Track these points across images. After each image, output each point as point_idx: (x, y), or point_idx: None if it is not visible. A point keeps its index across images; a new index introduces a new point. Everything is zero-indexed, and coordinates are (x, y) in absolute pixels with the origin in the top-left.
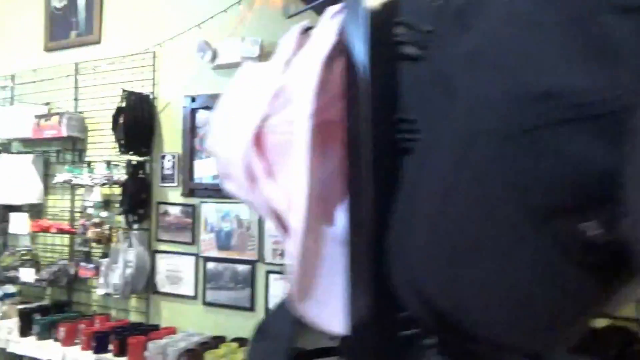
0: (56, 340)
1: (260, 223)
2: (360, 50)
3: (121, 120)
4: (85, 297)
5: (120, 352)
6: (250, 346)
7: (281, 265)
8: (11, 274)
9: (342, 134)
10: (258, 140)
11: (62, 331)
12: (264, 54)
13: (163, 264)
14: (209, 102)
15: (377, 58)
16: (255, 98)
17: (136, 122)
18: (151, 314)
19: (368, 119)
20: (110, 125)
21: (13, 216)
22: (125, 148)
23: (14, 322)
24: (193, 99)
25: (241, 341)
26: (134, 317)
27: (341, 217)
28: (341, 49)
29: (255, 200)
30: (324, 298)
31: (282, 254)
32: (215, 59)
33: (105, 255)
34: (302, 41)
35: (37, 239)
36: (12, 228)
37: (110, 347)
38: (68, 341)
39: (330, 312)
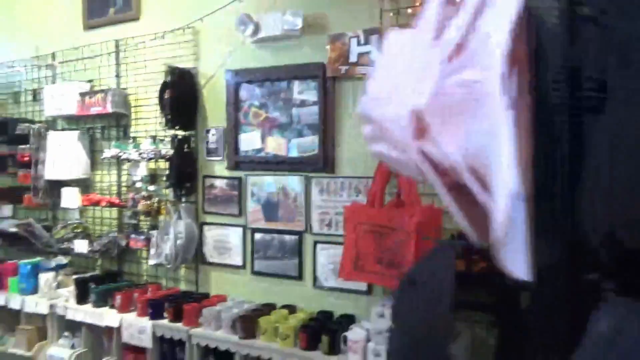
0: (112, 307)
1: (307, 195)
2: (550, 12)
3: (167, 95)
4: (135, 268)
5: (175, 318)
6: (401, 293)
7: (328, 235)
8: (65, 245)
9: (529, 94)
10: (429, 101)
11: (118, 299)
12: (306, 27)
13: (211, 235)
14: (252, 77)
15: (565, 18)
16: (418, 63)
17: (181, 97)
18: (200, 283)
19: (558, 79)
20: (152, 100)
21: (64, 191)
22: (171, 123)
23: (70, 291)
24: (236, 73)
25: (290, 308)
26: (183, 286)
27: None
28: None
29: (411, 161)
30: (513, 247)
31: (329, 225)
32: (256, 32)
33: (153, 227)
34: (448, 7)
35: (86, 212)
36: (64, 202)
37: (165, 313)
38: (124, 308)
39: (518, 259)
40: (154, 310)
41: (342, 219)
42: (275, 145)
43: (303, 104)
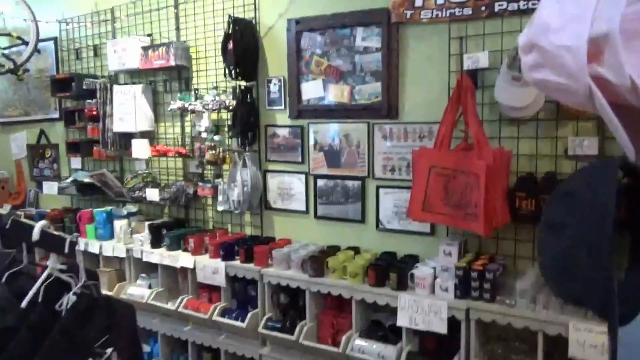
0: (185, 250)
1: (370, 141)
2: None
3: (230, 46)
4: (201, 214)
5: (246, 259)
6: (555, 205)
7: (391, 180)
8: (136, 194)
9: None
10: (610, 26)
11: (191, 242)
12: None
13: (274, 182)
14: (313, 25)
15: None
16: None
17: (244, 48)
18: (265, 228)
19: None
20: (212, 52)
21: (135, 142)
22: (234, 74)
23: (144, 236)
24: (297, 22)
25: (354, 249)
26: (248, 231)
27: None
28: None
29: (580, 87)
30: None
31: (392, 170)
32: None
33: (218, 175)
34: None
35: (152, 163)
36: (135, 153)
37: (237, 255)
38: (197, 251)
39: None
40: (226, 252)
41: (409, 163)
42: (339, 93)
43: (366, 50)
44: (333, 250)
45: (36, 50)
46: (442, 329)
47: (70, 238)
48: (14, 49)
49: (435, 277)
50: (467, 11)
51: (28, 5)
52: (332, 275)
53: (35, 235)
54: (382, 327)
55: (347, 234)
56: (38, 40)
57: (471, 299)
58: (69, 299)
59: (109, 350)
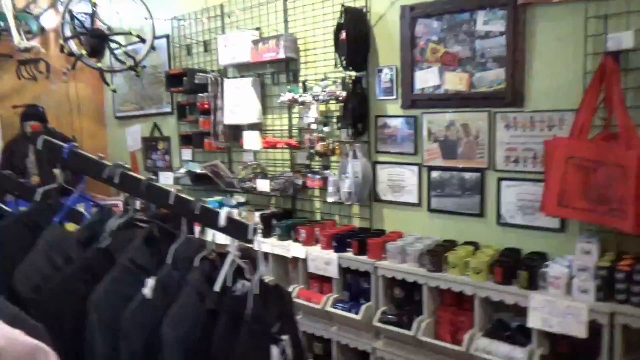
0: (295, 240)
1: (491, 130)
2: None
3: (342, 36)
4: (308, 205)
5: (359, 251)
6: None
7: (515, 172)
8: (247, 185)
9: None
10: None
11: (302, 233)
12: None
13: (384, 174)
14: (429, 10)
15: None
16: None
17: (356, 38)
18: (374, 220)
19: None
20: (319, 44)
21: (246, 134)
22: (347, 64)
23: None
24: (411, 8)
25: (473, 244)
26: (357, 223)
27: None
28: None
29: None
30: None
31: (516, 161)
32: None
33: (326, 167)
34: None
35: (259, 154)
36: (246, 144)
37: (349, 247)
38: (308, 241)
39: None
40: (339, 243)
41: (536, 154)
42: (456, 80)
43: (488, 35)
44: (450, 244)
45: (152, 47)
46: (581, 333)
47: (252, 225)
48: (130, 47)
49: (571, 277)
50: None
51: (145, 4)
52: (453, 270)
53: (222, 221)
54: (507, 327)
55: (464, 228)
56: (154, 37)
57: (616, 303)
58: (243, 285)
59: (286, 337)
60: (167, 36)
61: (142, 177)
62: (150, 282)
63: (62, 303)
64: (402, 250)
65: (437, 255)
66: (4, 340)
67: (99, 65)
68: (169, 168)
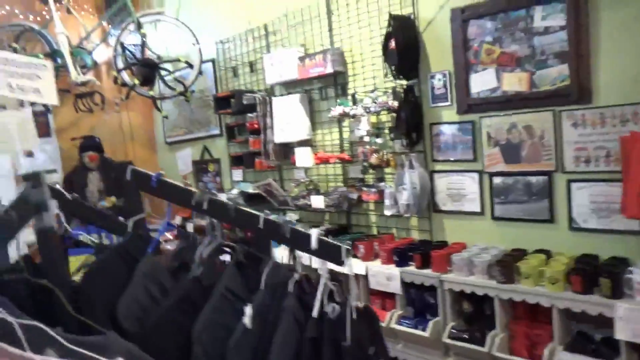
0: (354, 256)
1: (557, 130)
2: None
3: (391, 45)
4: (363, 219)
5: (422, 264)
6: None
7: (586, 172)
8: (301, 202)
9: None
10: None
11: (361, 248)
12: None
13: (442, 183)
14: (482, 10)
15: None
16: None
17: (405, 46)
18: (434, 231)
19: None
20: (366, 55)
21: (297, 151)
22: (398, 73)
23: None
24: (462, 10)
25: (544, 252)
26: (416, 235)
27: None
28: None
29: None
30: None
31: (587, 161)
32: None
33: (380, 179)
34: None
35: (310, 170)
36: (298, 162)
37: (412, 261)
38: (367, 257)
39: None
40: (400, 257)
41: (609, 152)
42: (515, 81)
43: (547, 31)
44: (519, 254)
45: (200, 72)
46: None
47: (344, 247)
48: (177, 73)
49: None
50: None
51: (191, 30)
52: (526, 281)
53: (314, 243)
54: (590, 339)
55: (532, 236)
56: (202, 62)
57: None
58: (334, 308)
59: None
60: (212, 60)
61: (230, 203)
62: (249, 310)
63: (166, 336)
64: (469, 262)
65: (507, 266)
66: None
67: (151, 93)
68: (220, 190)
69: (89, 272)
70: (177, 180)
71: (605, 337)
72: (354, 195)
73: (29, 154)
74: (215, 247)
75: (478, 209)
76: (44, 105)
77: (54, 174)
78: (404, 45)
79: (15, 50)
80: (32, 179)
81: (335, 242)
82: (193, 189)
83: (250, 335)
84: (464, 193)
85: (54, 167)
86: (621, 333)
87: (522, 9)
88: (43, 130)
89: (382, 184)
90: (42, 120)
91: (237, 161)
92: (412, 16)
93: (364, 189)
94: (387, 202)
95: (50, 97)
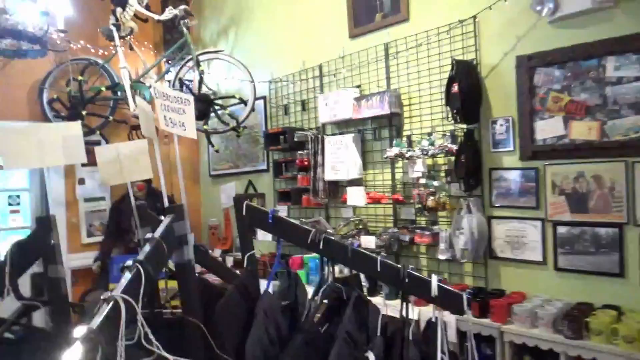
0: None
1: (629, 181)
2: None
3: (454, 89)
4: (413, 263)
5: (481, 314)
6: None
7: None
8: (349, 241)
9: None
10: None
11: None
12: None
13: (501, 229)
14: (550, 59)
15: None
16: None
17: (467, 90)
18: (489, 279)
19: None
20: (424, 98)
21: (350, 190)
22: (459, 116)
23: None
24: (529, 58)
25: (613, 308)
26: (469, 282)
27: None
28: None
29: None
30: None
31: None
32: (555, 12)
33: (434, 222)
34: None
35: (358, 210)
36: (350, 200)
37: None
38: (420, 302)
39: None
40: None
41: None
42: (584, 130)
43: (620, 81)
44: (586, 308)
45: (252, 108)
46: None
47: (465, 295)
48: (230, 109)
49: None
50: None
51: (247, 68)
52: (597, 338)
53: (434, 291)
54: None
55: (600, 290)
56: (255, 99)
57: None
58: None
59: None
60: (264, 97)
61: (346, 244)
62: (372, 357)
63: None
64: (532, 313)
65: (577, 320)
66: None
67: (205, 127)
68: None
69: (219, 308)
70: (219, 213)
71: None
72: (406, 237)
73: (80, 182)
74: (328, 291)
75: (540, 259)
76: (102, 135)
77: (102, 201)
78: (466, 90)
79: (80, 83)
80: (176, 212)
81: (456, 291)
82: (309, 227)
83: None
84: (524, 241)
85: (103, 195)
86: None
87: (594, 59)
88: (94, 159)
89: (435, 227)
90: (93, 149)
91: (283, 197)
92: (474, 62)
93: (418, 231)
94: (442, 245)
95: (191, 131)
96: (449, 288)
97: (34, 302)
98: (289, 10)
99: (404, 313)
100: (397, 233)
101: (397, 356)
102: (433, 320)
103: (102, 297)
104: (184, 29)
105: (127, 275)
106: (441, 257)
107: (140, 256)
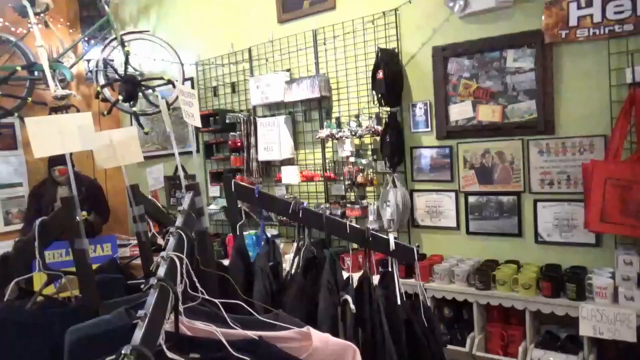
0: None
1: (525, 157)
2: None
3: (379, 76)
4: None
5: (407, 275)
6: None
7: (550, 193)
8: (284, 217)
9: None
10: None
11: (347, 261)
12: None
13: (421, 201)
14: (460, 50)
15: None
16: None
17: (391, 76)
18: (413, 245)
19: None
20: (350, 83)
21: (284, 169)
22: (384, 101)
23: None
24: (443, 49)
25: (514, 263)
26: None
27: None
28: None
29: None
30: None
31: (551, 184)
32: (465, 8)
33: (362, 197)
34: None
35: (291, 188)
36: (284, 179)
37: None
38: (354, 268)
39: None
40: (385, 268)
41: (569, 176)
42: (489, 112)
43: (518, 71)
44: (493, 264)
45: None
46: (631, 337)
47: (415, 247)
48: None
49: (615, 287)
50: (629, 27)
51: (175, 50)
52: (501, 287)
53: (392, 246)
54: (557, 337)
55: (503, 248)
56: (184, 81)
57: None
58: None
59: None
60: (191, 79)
61: (322, 212)
62: (349, 298)
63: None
64: (449, 272)
65: (485, 274)
66: (319, 342)
67: (134, 109)
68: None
69: (230, 265)
70: (147, 195)
71: (569, 335)
72: (339, 211)
73: None
74: (306, 252)
75: (454, 225)
76: (20, 117)
77: (19, 187)
78: (390, 76)
79: None
80: (194, 189)
81: (408, 245)
82: (289, 200)
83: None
84: (441, 210)
85: (20, 180)
86: (584, 330)
87: (496, 51)
88: (9, 142)
89: (364, 201)
90: (7, 132)
91: (215, 178)
92: (396, 50)
93: (348, 205)
94: (370, 217)
95: (198, 120)
96: (403, 243)
97: (58, 272)
98: None
99: (367, 266)
100: (330, 208)
101: (367, 296)
102: (390, 269)
103: (160, 255)
104: (105, 7)
105: (172, 240)
106: (370, 227)
107: (178, 223)
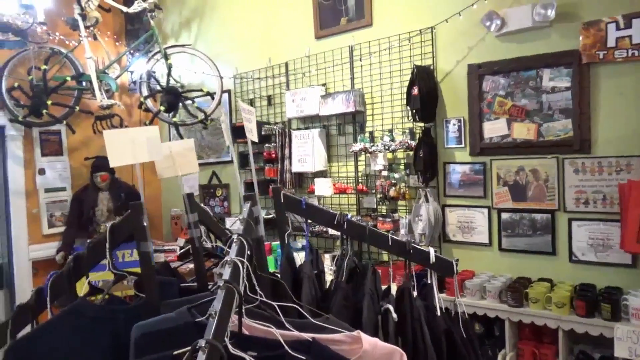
0: (408, 267)
1: (559, 175)
2: None
3: (414, 92)
4: (374, 247)
5: (439, 289)
6: None
7: (585, 212)
8: (317, 228)
9: None
10: None
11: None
12: (559, 18)
13: (453, 216)
14: (496, 68)
15: None
16: None
17: (426, 93)
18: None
19: None
20: (385, 98)
21: (317, 181)
22: (418, 116)
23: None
24: (478, 67)
25: (547, 281)
26: None
27: None
28: None
29: None
30: None
31: (586, 202)
32: (502, 28)
33: (394, 210)
34: None
35: (323, 200)
36: (317, 191)
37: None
38: (384, 281)
39: None
40: (417, 282)
41: (605, 195)
42: (524, 130)
43: (553, 90)
44: (525, 281)
45: (219, 102)
46: None
47: (454, 261)
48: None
49: None
50: None
51: (214, 63)
52: (534, 305)
53: (432, 259)
54: (591, 358)
55: (535, 266)
56: (222, 93)
57: None
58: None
59: None
60: (228, 91)
61: (365, 224)
62: (390, 307)
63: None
64: (481, 287)
65: (517, 291)
66: (368, 345)
67: (174, 120)
68: (227, 214)
69: (281, 272)
70: (180, 203)
71: (603, 356)
72: (369, 224)
73: (41, 172)
74: (350, 262)
75: (486, 241)
76: (68, 125)
77: (63, 191)
78: (425, 92)
79: (44, 72)
80: (252, 199)
81: (447, 258)
82: (333, 212)
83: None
84: (473, 226)
85: (64, 185)
86: (619, 351)
87: (532, 70)
88: (55, 148)
89: (395, 214)
90: (54, 139)
91: (250, 188)
92: (431, 67)
93: (380, 218)
94: (402, 231)
95: (255, 135)
96: (443, 257)
97: (123, 272)
98: (253, 5)
99: (407, 277)
100: (361, 220)
101: (408, 305)
102: (428, 282)
103: (225, 259)
104: (150, 21)
105: (234, 246)
106: None
107: (241, 232)
